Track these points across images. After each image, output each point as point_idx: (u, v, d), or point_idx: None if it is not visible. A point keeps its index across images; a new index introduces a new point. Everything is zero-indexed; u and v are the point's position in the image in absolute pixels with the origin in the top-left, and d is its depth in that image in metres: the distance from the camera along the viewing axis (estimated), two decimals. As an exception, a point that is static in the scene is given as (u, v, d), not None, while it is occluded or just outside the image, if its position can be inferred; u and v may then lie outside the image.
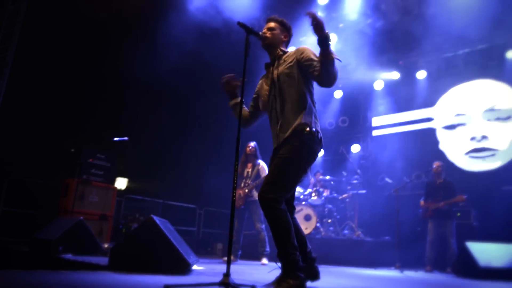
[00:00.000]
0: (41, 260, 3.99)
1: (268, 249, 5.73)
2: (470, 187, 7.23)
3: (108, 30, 6.89)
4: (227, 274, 2.31)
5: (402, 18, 8.19)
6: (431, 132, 8.91)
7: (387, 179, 8.92)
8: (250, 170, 6.02)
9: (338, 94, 10.12)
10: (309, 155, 2.71)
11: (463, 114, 8.51)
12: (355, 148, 10.01)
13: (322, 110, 10.07)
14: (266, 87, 2.97)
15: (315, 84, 2.87)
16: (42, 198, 6.64)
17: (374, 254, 6.46)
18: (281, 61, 2.88)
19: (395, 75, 9.34)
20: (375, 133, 9.87)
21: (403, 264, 5.88)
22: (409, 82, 9.12)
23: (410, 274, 5.29)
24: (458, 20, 7.37)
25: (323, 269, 5.29)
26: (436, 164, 6.63)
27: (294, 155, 2.64)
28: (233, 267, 4.24)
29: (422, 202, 6.55)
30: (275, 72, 2.87)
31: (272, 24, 2.99)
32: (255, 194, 5.86)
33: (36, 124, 6.77)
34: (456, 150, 8.44)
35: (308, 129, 2.69)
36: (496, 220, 6.30)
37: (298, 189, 7.70)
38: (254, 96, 3.14)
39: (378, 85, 9.59)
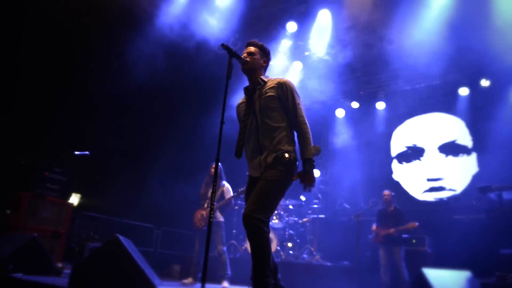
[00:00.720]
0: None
1: (229, 272, 5.64)
2: (424, 215, 7.56)
3: (72, 39, 6.69)
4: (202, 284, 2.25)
5: (364, 51, 8.57)
6: (389, 160, 9.27)
7: (346, 205, 9.14)
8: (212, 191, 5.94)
9: (300, 119, 10.32)
10: (290, 180, 2.84)
11: (418, 147, 8.94)
12: (315, 173, 10.17)
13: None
14: (243, 114, 3.01)
15: None
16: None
17: (333, 279, 6.51)
18: (263, 92, 2.93)
19: (355, 104, 9.69)
20: (334, 158, 10.12)
21: (362, 289, 5.98)
22: (369, 112, 9.49)
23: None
24: (416, 57, 7.81)
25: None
26: (386, 193, 6.87)
27: (280, 178, 2.75)
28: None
29: (374, 226, 6.75)
30: (257, 104, 2.92)
31: (252, 49, 3.05)
32: (218, 215, 5.80)
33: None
34: (410, 179, 8.82)
35: (290, 156, 2.82)
36: (449, 247, 6.58)
37: (260, 212, 7.69)
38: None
39: (340, 113, 9.90)
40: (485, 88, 8.08)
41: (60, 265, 4.89)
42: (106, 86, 6.75)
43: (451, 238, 6.73)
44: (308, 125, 2.93)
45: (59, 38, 6.45)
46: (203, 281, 2.36)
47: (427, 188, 8.55)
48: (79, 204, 8.01)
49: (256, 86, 2.98)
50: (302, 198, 8.95)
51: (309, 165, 2.79)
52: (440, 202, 8.26)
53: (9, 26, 6.12)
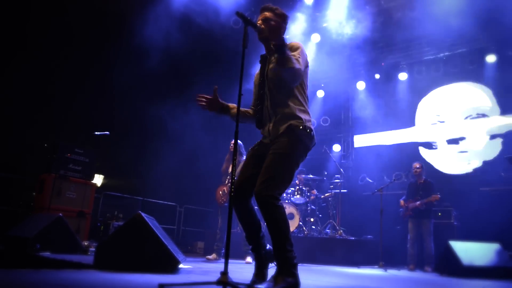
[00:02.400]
0: (18, 259, 3.77)
1: (252, 247, 5.63)
2: (449, 188, 7.37)
3: (88, 24, 6.65)
4: (225, 273, 2.21)
5: (384, 20, 8.26)
6: (411, 133, 9.04)
7: (368, 179, 9.01)
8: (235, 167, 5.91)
9: (320, 93, 10.13)
10: (303, 151, 2.67)
11: (442, 116, 8.67)
12: (336, 148, 10.07)
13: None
14: (257, 81, 2.89)
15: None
16: (17, 194, 6.35)
17: (357, 253, 6.47)
18: (273, 57, 2.78)
19: (377, 76, 9.42)
20: (356, 133, 9.94)
21: (386, 262, 5.91)
22: (391, 84, 9.22)
23: (394, 272, 5.31)
24: (439, 23, 7.47)
25: (306, 267, 5.27)
26: (416, 165, 6.71)
27: (290, 151, 2.58)
28: (218, 266, 4.14)
29: (402, 202, 6.63)
30: (266, 68, 2.78)
31: (267, 14, 2.85)
32: (240, 191, 5.76)
33: (11, 118, 6.46)
34: (436, 151, 8.59)
35: (302, 126, 2.64)
36: (475, 220, 6.42)
37: (281, 188, 7.65)
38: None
39: (360, 86, 9.65)
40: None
41: (86, 243, 4.98)
42: (125, 67, 6.73)
43: (479, 211, 6.56)
44: (296, 65, 2.60)
45: (79, 23, 6.41)
46: (226, 256, 2.31)
47: (454, 160, 8.32)
48: (103, 184, 8.13)
49: (271, 52, 2.83)
50: (325, 173, 8.87)
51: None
52: (467, 174, 8.03)
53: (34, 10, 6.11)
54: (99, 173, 7.79)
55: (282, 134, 2.64)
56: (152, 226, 3.02)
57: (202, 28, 8.27)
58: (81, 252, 4.54)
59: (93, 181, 6.80)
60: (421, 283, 4.16)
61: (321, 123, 10.30)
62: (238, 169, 5.95)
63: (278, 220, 2.43)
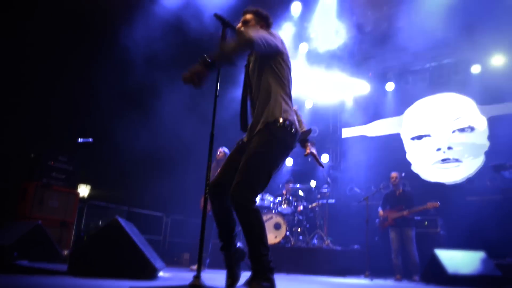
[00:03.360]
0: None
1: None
2: (436, 197, 7.36)
3: (72, 28, 6.61)
4: (197, 276, 2.17)
5: (372, 31, 8.36)
6: (398, 143, 9.08)
7: (356, 189, 9.00)
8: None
9: (308, 103, 10.15)
10: (282, 149, 2.56)
11: (428, 127, 8.72)
12: (324, 158, 10.06)
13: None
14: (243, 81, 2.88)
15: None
16: (-3, 203, 6.21)
17: (343, 263, 6.42)
18: (254, 53, 2.77)
19: (365, 86, 9.48)
20: (344, 143, 9.96)
21: (373, 272, 5.87)
22: (378, 94, 9.28)
23: (379, 282, 5.26)
24: (426, 34, 7.57)
25: (293, 277, 5.21)
26: (393, 175, 6.71)
27: (266, 149, 2.48)
28: (202, 275, 4.06)
29: (381, 211, 6.60)
30: (250, 64, 2.78)
31: (247, 17, 2.85)
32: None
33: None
34: (422, 161, 8.62)
35: (279, 122, 2.52)
36: (461, 229, 6.41)
37: (268, 198, 7.61)
38: None
39: (348, 96, 9.71)
40: (497, 66, 7.80)
41: (65, 252, 4.88)
42: (110, 75, 6.69)
43: (465, 219, 6.54)
44: (248, 38, 2.42)
45: (60, 27, 6.37)
46: (199, 259, 2.27)
47: (440, 169, 8.35)
48: (89, 194, 8.00)
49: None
50: (312, 183, 8.85)
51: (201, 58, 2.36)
52: (454, 183, 8.06)
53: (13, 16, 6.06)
54: (85, 183, 7.66)
55: (258, 131, 2.55)
56: (129, 232, 2.96)
57: (188, 36, 8.31)
58: (60, 261, 4.44)
59: (79, 191, 6.70)
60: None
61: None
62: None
63: (253, 224, 2.39)
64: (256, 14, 2.82)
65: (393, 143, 9.10)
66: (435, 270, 4.99)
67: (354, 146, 9.58)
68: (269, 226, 7.02)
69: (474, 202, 7.17)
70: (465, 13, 7.10)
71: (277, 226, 7.05)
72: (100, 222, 6.94)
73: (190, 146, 8.36)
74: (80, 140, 5.55)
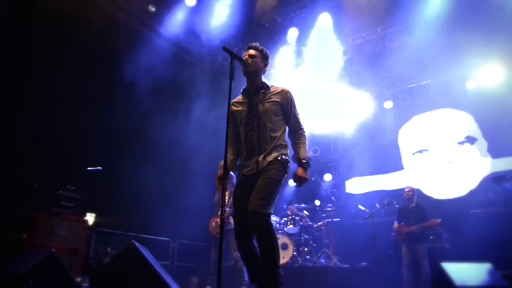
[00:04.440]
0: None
1: (246, 278, 5.60)
2: (440, 211, 7.45)
3: (76, 62, 6.83)
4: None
5: (368, 50, 8.60)
6: (400, 159, 9.21)
7: (360, 206, 9.08)
8: (227, 198, 5.98)
9: (309, 125, 10.32)
10: (284, 179, 2.99)
11: (428, 142, 8.88)
12: (327, 177, 10.17)
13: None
14: (243, 114, 3.05)
15: None
16: (5, 232, 6.29)
17: (352, 281, 6.45)
18: (266, 97, 3.01)
19: (364, 105, 9.67)
20: (347, 162, 10.08)
21: (382, 288, 5.91)
22: (377, 112, 9.46)
23: (389, 298, 5.30)
24: (421, 52, 7.80)
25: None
26: (407, 189, 6.80)
27: (278, 177, 2.88)
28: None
29: (396, 224, 6.65)
30: (260, 106, 2.99)
31: (252, 52, 3.13)
32: (232, 221, 5.80)
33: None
34: (424, 176, 8.73)
35: (287, 158, 3.01)
36: (467, 242, 6.48)
37: (274, 218, 7.68)
38: (231, 125, 3.11)
39: (348, 114, 9.88)
40: (490, 80, 8.02)
41: (79, 279, 4.93)
42: (117, 104, 6.90)
43: (470, 232, 6.62)
44: (304, 131, 3.15)
45: (67, 59, 6.59)
46: (219, 281, 2.38)
47: (443, 184, 8.45)
48: (95, 222, 8.07)
49: (259, 89, 3.06)
50: (317, 202, 8.93)
51: (306, 164, 2.97)
52: (456, 198, 8.15)
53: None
54: (92, 210, 7.75)
55: (273, 163, 2.91)
56: (146, 256, 3.05)
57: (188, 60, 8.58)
58: (74, 288, 4.50)
59: (87, 218, 6.77)
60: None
61: (312, 153, 10.45)
62: (226, 198, 6.02)
63: (272, 237, 2.59)
64: (262, 52, 3.17)
65: (394, 159, 9.24)
66: (443, 283, 5.03)
67: (356, 165, 9.71)
68: (276, 247, 7.07)
69: (478, 214, 7.27)
70: (457, 30, 7.36)
71: (284, 247, 7.11)
72: (108, 249, 7.00)
73: (194, 171, 8.49)
74: (89, 168, 5.66)
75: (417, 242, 6.28)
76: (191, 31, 8.10)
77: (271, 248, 2.59)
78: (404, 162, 9.16)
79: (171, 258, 8.43)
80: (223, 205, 2.75)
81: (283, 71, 8.71)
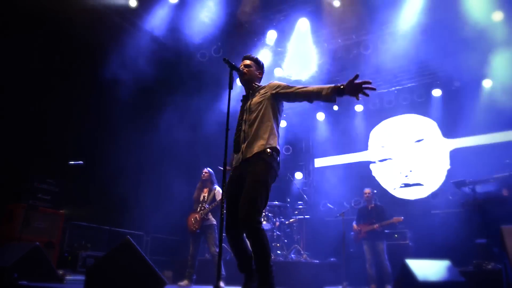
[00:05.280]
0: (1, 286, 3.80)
1: (224, 272, 5.83)
2: (404, 211, 7.96)
3: (60, 49, 6.78)
4: (217, 286, 2.49)
5: (343, 55, 8.96)
6: (367, 160, 9.68)
7: (329, 205, 9.50)
8: (206, 194, 6.17)
9: (282, 123, 10.64)
10: (273, 175, 3.03)
11: (392, 150, 9.40)
12: (298, 175, 10.52)
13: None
14: (239, 116, 3.26)
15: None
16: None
17: (321, 275, 6.81)
18: (256, 93, 3.21)
19: (335, 108, 10.07)
20: (316, 161, 10.47)
21: (350, 283, 6.29)
22: (348, 114, 9.89)
23: (357, 291, 5.68)
24: (391, 61, 8.24)
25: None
26: (366, 191, 7.23)
27: (263, 178, 2.94)
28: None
29: (355, 225, 7.07)
30: (250, 102, 3.20)
31: (247, 62, 3.35)
32: (211, 217, 6.00)
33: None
34: (388, 181, 9.24)
35: (269, 151, 3.00)
36: (427, 240, 6.99)
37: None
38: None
39: (320, 116, 10.27)
40: (456, 89, 8.58)
41: (61, 272, 4.99)
42: (95, 97, 6.91)
43: (430, 231, 7.16)
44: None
45: (48, 48, 6.54)
46: (218, 270, 2.59)
47: (405, 185, 8.98)
48: (68, 214, 8.01)
49: (253, 91, 3.25)
50: (287, 199, 9.25)
51: (338, 87, 2.89)
52: (420, 199, 8.69)
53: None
54: (67, 203, 7.71)
55: (256, 156, 2.98)
56: (140, 250, 3.22)
57: (170, 61, 8.66)
58: (57, 281, 4.57)
59: (62, 211, 6.77)
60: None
61: (284, 152, 10.77)
62: (205, 195, 6.21)
63: (264, 242, 2.80)
64: (256, 62, 3.37)
65: (362, 161, 9.70)
66: (406, 278, 5.45)
67: (326, 164, 10.12)
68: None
69: (438, 215, 7.83)
70: (427, 42, 7.84)
71: (257, 242, 7.37)
72: (83, 242, 7.01)
73: (168, 166, 8.59)
74: (71, 162, 5.69)
75: (377, 240, 6.71)
76: (172, 28, 8.17)
77: (265, 253, 2.81)
78: (371, 165, 9.63)
79: (145, 252, 8.45)
80: (222, 206, 2.93)
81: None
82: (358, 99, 2.88)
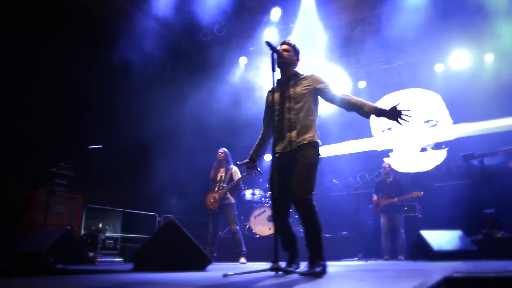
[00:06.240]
0: (37, 271, 3.89)
1: (244, 249, 5.99)
2: (410, 185, 8.17)
3: (73, 37, 6.71)
4: (275, 261, 2.62)
5: (346, 32, 8.99)
6: (371, 135, 9.84)
7: (335, 180, 9.71)
8: (223, 174, 6.27)
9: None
10: (318, 163, 3.22)
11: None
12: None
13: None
14: (276, 100, 3.32)
15: None
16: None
17: (334, 249, 7.03)
18: (298, 82, 3.30)
19: (340, 84, 10.13)
20: (322, 137, 10.57)
21: (364, 255, 6.51)
22: (352, 91, 9.96)
23: (373, 263, 5.90)
24: (394, 36, 8.29)
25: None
26: (385, 165, 7.40)
27: (314, 162, 3.13)
28: (216, 267, 4.45)
29: (375, 197, 7.24)
30: (292, 90, 3.28)
31: (286, 47, 3.43)
32: (230, 196, 6.12)
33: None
34: (393, 152, 9.43)
35: (317, 140, 3.21)
36: (436, 212, 7.23)
37: (260, 192, 8.09)
38: (266, 110, 3.56)
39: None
40: (458, 63, 8.70)
41: (91, 254, 5.10)
42: (109, 80, 6.89)
43: (437, 203, 7.39)
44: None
45: (60, 36, 6.47)
46: (276, 247, 2.71)
47: (410, 159, 9.18)
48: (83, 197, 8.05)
49: (291, 78, 3.33)
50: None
51: (379, 108, 3.12)
52: (422, 173, 8.91)
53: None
54: (82, 187, 7.77)
55: (303, 146, 3.13)
56: (184, 230, 3.33)
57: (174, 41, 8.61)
58: (89, 263, 4.68)
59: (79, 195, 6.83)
60: (411, 267, 4.74)
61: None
62: (222, 174, 6.32)
63: (317, 216, 2.95)
64: (294, 48, 3.46)
65: (366, 137, 9.85)
66: (421, 248, 5.70)
67: (332, 140, 10.24)
68: (263, 219, 7.51)
69: (443, 187, 8.07)
70: (428, 15, 7.90)
71: (270, 219, 7.53)
72: (100, 225, 7.11)
73: (179, 147, 8.64)
74: (90, 147, 5.72)
75: (396, 213, 6.94)
76: (176, 8, 8.10)
77: (317, 228, 2.96)
78: (375, 137, 9.80)
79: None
80: (274, 193, 3.03)
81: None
82: (398, 122, 3.14)
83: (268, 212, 7.58)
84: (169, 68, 8.51)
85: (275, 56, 3.17)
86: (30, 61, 6.25)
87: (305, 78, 3.34)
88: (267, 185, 8.49)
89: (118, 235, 7.22)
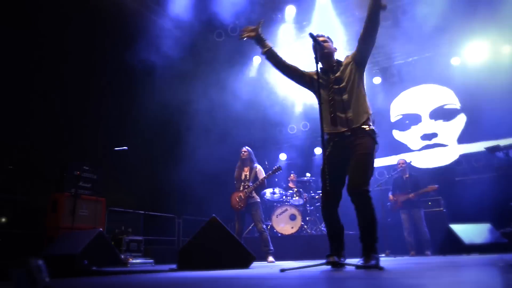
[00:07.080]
0: (75, 274, 3.87)
1: (272, 247, 5.95)
2: (430, 180, 8.10)
3: (96, 45, 6.71)
4: (331, 255, 2.59)
5: (359, 29, 8.93)
6: (388, 132, 9.77)
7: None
8: (247, 173, 6.24)
9: (299, 100, 10.64)
10: (376, 149, 3.20)
11: (413, 116, 9.48)
12: (318, 151, 10.62)
13: (288, 116, 10.55)
14: (322, 82, 3.30)
15: None
16: (24, 215, 6.25)
17: (359, 245, 6.96)
18: (340, 67, 3.34)
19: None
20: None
21: (391, 251, 6.46)
22: (367, 88, 9.90)
23: (402, 259, 5.83)
24: (408, 31, 8.25)
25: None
26: (401, 162, 7.34)
27: (371, 151, 3.11)
28: (253, 265, 4.42)
29: (391, 196, 7.21)
30: (339, 73, 3.30)
31: (322, 38, 3.47)
32: (255, 195, 6.09)
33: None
34: (411, 148, 9.37)
35: (372, 127, 3.19)
36: (459, 206, 7.15)
37: (280, 191, 8.05)
38: (302, 70, 3.57)
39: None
40: (472, 58, 8.62)
41: (122, 256, 5.08)
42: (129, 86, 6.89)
43: (459, 198, 7.31)
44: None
45: (83, 43, 6.49)
46: (331, 240, 2.67)
47: (429, 155, 9.11)
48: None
49: (335, 65, 3.37)
50: (307, 174, 9.33)
51: None
52: (443, 167, 8.82)
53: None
54: (105, 190, 7.77)
55: (363, 132, 3.12)
56: (226, 227, 3.30)
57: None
58: (121, 265, 4.66)
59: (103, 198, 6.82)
60: (440, 264, 4.67)
61: (301, 128, 10.83)
62: (246, 173, 6.28)
63: (373, 207, 2.93)
64: (329, 39, 3.55)
65: (384, 133, 9.78)
66: (451, 242, 5.65)
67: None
68: (285, 218, 7.47)
69: (464, 181, 8.00)
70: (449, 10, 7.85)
71: (292, 217, 7.50)
72: (123, 227, 7.08)
73: (202, 148, 8.62)
74: (116, 148, 5.71)
75: (414, 208, 6.88)
76: (191, 7, 8.10)
77: (374, 219, 2.98)
78: (394, 134, 9.74)
79: (177, 234, 8.63)
80: (325, 185, 2.99)
81: (283, 46, 8.85)
82: None
83: (290, 210, 7.54)
84: (188, 68, 8.50)
85: (318, 47, 3.15)
86: (55, 66, 6.26)
87: (343, 61, 3.41)
88: (289, 182, 8.46)
89: (141, 237, 7.20)
